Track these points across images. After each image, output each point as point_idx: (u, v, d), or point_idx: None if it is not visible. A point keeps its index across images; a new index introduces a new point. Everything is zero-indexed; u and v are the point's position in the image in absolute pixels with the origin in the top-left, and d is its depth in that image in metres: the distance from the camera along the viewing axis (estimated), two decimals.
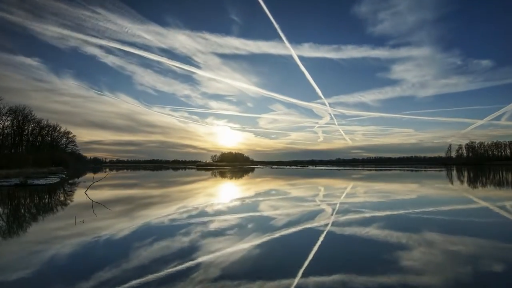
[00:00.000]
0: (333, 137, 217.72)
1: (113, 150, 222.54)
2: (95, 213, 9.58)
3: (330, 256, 5.14)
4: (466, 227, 7.57)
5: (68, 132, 72.17)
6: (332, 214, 9.03)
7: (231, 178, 32.37)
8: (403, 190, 16.07)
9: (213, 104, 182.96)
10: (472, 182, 22.91)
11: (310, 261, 4.87)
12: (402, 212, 9.44)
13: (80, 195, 14.47)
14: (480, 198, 12.67)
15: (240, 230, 7.13)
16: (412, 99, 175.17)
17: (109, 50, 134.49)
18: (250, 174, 42.11)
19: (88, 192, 15.03)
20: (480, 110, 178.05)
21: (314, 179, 27.87)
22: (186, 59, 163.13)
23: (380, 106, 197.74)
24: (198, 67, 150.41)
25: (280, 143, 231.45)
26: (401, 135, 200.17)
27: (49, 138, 68.40)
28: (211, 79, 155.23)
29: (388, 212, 9.33)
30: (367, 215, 8.94)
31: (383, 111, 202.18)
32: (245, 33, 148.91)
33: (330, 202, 11.74)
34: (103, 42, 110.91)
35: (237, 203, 11.72)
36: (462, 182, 23.48)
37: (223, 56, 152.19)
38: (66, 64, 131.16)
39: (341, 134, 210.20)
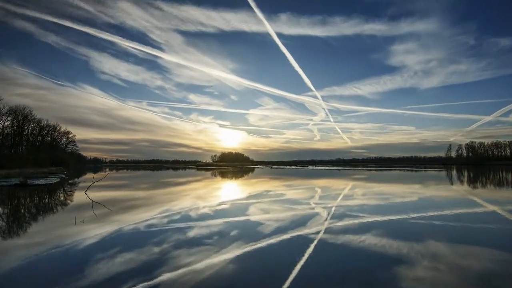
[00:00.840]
0: (330, 136, 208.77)
1: (105, 150, 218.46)
2: (95, 213, 9.27)
3: (317, 274, 4.26)
4: (475, 235, 6.67)
5: (68, 132, 71.62)
6: (326, 220, 8.15)
7: (227, 178, 31.51)
8: (404, 192, 15.15)
9: (193, 97, 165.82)
10: (475, 183, 21.95)
11: (291, 281, 3.99)
12: (402, 217, 8.54)
13: (79, 195, 14.21)
14: (486, 201, 11.75)
15: (220, 238, 6.26)
16: (414, 92, 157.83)
17: (45, 26, 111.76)
18: (248, 174, 41.25)
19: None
20: (489, 104, 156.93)
21: (313, 179, 26.98)
22: (142, 38, 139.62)
23: (379, 99, 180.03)
24: (159, 48, 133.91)
25: (276, 142, 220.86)
26: (401, 133, 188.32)
27: (49, 138, 67.80)
28: (180, 65, 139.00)
29: (388, 217, 8.43)
30: (364, 220, 8.05)
31: (381, 105, 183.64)
32: (206, 0, 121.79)
33: (326, 205, 10.86)
34: (36, 14, 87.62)
35: (225, 206, 10.85)
36: (464, 183, 22.52)
37: (186, 34, 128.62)
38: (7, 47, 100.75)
39: (338, 132, 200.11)
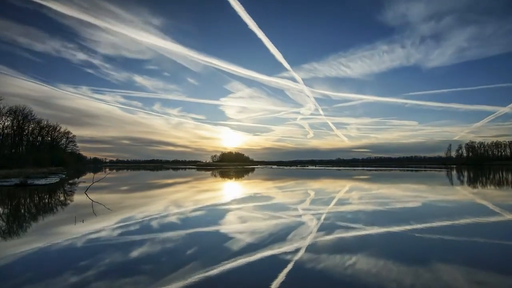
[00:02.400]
0: (324, 133, 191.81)
1: (89, 149, 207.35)
2: (95, 212, 8.67)
3: None
4: (497, 255, 5.09)
5: (68, 132, 70.46)
6: (310, 233, 6.60)
7: (220, 179, 29.99)
8: (405, 195, 13.53)
9: (141, 81, 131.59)
10: (480, 185, 20.22)
11: None
12: (404, 229, 6.97)
13: (78, 196, 13.85)
14: (499, 206, 10.14)
15: (169, 260, 4.75)
16: (418, 71, 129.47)
17: None
18: (245, 175, 39.72)
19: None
20: (508, 90, 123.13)
21: (309, 180, 25.39)
22: None
23: (374, 82, 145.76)
24: None
25: (267, 140, 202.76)
26: (402, 130, 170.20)
27: (49, 138, 66.70)
28: (89, 24, 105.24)
29: (386, 229, 6.86)
30: (357, 234, 6.49)
31: (378, 92, 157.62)
32: None
33: (316, 211, 9.31)
34: None
35: (200, 213, 9.32)
36: (468, 184, 20.79)
37: None
38: None
39: (332, 129, 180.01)
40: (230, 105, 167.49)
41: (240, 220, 7.99)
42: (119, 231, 6.80)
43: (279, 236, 6.25)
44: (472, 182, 23.15)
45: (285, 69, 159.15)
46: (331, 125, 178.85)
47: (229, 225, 7.34)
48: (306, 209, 9.76)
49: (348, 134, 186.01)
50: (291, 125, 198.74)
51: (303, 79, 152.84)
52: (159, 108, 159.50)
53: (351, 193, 14.16)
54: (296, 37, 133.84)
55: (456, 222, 7.59)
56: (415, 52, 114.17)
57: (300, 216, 8.54)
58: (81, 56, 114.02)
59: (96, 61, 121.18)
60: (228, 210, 9.49)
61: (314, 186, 18.96)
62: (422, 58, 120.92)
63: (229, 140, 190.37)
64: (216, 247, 5.50)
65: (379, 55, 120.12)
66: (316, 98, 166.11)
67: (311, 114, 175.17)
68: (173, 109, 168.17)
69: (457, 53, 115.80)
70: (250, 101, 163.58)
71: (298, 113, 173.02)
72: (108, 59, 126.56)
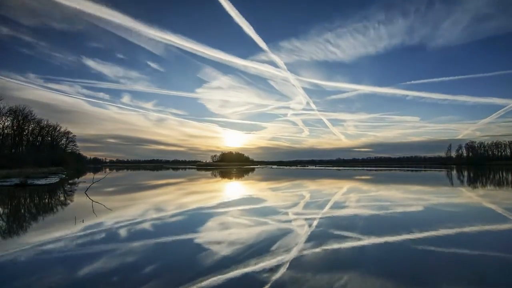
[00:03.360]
0: (320, 130, 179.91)
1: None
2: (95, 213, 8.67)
3: None
4: None
5: (68, 132, 69.70)
6: (298, 243, 5.66)
7: (214, 179, 29.05)
8: (406, 198, 12.55)
9: (95, 66, 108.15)
10: (484, 186, 19.17)
11: None
12: (406, 238, 6.02)
13: (78, 196, 13.62)
14: (509, 211, 9.17)
15: (121, 279, 3.82)
16: (422, 52, 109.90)
17: None
18: (243, 175, 38.78)
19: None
20: None
21: (307, 181, 24.43)
22: None
23: (368, 66, 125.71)
24: None
25: (261, 138, 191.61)
26: (403, 127, 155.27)
27: (49, 138, 66.04)
28: None
29: (385, 239, 5.91)
30: (351, 245, 5.55)
31: (375, 80, 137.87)
32: None
33: (308, 216, 8.38)
34: None
35: (179, 218, 8.40)
36: (472, 186, 19.75)
37: None
38: None
39: (327, 126, 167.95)
40: (209, 98, 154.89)
41: (221, 227, 7.06)
42: (80, 240, 5.89)
43: (261, 247, 5.33)
44: (475, 183, 22.11)
45: (261, 50, 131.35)
46: (326, 122, 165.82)
47: (207, 234, 6.41)
48: (298, 213, 8.82)
49: (345, 132, 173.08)
50: (282, 122, 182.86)
51: (286, 64, 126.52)
52: (130, 101, 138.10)
53: (348, 195, 13.20)
54: (268, 5, 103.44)
55: (464, 230, 6.63)
56: (420, 25, 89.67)
57: (290, 222, 7.61)
58: (3, 30, 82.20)
59: (26, 38, 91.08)
60: (211, 215, 8.56)
61: (311, 187, 18.01)
62: (428, 34, 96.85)
63: (221, 139, 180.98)
64: (182, 263, 4.58)
65: (374, 28, 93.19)
66: (305, 89, 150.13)
67: (303, 109, 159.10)
68: (147, 102, 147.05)
69: (473, 25, 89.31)
70: (231, 93, 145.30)
71: (288, 107, 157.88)
72: (35, 32, 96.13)
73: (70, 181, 24.84)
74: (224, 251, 5.13)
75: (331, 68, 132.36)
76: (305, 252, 5.04)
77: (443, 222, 7.45)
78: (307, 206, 10.25)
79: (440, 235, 6.13)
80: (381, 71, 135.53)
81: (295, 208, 9.71)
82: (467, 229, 6.67)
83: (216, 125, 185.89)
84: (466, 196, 13.08)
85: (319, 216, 8.36)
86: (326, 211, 9.16)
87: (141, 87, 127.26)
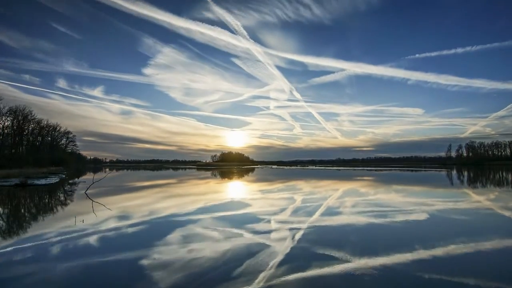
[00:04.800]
0: (311, 127, 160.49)
1: None
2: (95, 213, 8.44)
3: None
4: None
5: (68, 132, 68.77)
6: (269, 267, 4.28)
7: (208, 180, 27.72)
8: (406, 202, 11.10)
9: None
10: (492, 189, 17.64)
11: None
12: (408, 259, 4.62)
13: (78, 195, 13.28)
14: None
15: None
16: (430, 4, 77.69)
17: None
18: (240, 175, 37.44)
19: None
20: None
21: (303, 181, 23.02)
22: None
23: (356, 28, 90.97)
24: None
25: (252, 136, 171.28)
26: (404, 123, 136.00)
27: (49, 138, 65.10)
28: None
29: (382, 261, 4.52)
30: (337, 269, 4.16)
31: (367, 53, 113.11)
32: None
33: (293, 226, 7.00)
34: None
35: (140, 227, 7.05)
36: (477, 188, 18.22)
37: None
38: None
39: (318, 121, 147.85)
40: (166, 85, 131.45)
41: (182, 241, 5.69)
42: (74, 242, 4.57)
43: (217, 274, 3.96)
44: (480, 185, 20.58)
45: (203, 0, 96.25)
46: (316, 116, 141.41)
47: (158, 251, 5.04)
48: (282, 222, 7.45)
49: (341, 129, 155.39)
50: (268, 116, 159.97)
51: (244, 27, 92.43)
52: (69, 87, 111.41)
53: (343, 199, 11.77)
54: None
55: (482, 247, 5.21)
56: None
57: (269, 234, 6.23)
58: None
59: None
60: (180, 225, 7.19)
61: (305, 189, 16.60)
62: None
63: (207, 137, 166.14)
64: None
65: None
66: (280, 69, 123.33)
67: (288, 100, 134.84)
68: (92, 89, 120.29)
69: None
70: (189, 76, 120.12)
71: (268, 97, 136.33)
72: None
73: (70, 181, 24.29)
74: (164, 280, 3.77)
75: (307, 33, 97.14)
76: (273, 283, 3.66)
77: (453, 235, 6.04)
78: (295, 212, 8.86)
79: (451, 255, 4.73)
80: (376, 38, 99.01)
81: (281, 215, 8.33)
82: (485, 246, 5.26)
83: (194, 120, 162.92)
84: (475, 200, 11.61)
85: (306, 225, 6.98)
86: (314, 219, 7.77)
87: (70, 67, 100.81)
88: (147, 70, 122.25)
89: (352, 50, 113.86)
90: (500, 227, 6.90)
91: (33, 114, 58.12)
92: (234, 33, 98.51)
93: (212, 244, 5.46)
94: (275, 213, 8.64)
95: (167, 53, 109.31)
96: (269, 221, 7.52)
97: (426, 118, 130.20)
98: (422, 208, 9.32)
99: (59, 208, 10.43)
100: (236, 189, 17.06)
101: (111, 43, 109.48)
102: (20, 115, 57.06)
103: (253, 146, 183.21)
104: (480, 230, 6.60)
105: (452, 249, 5.08)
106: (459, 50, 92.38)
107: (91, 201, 11.34)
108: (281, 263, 4.41)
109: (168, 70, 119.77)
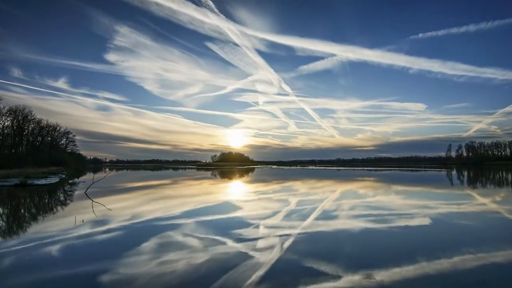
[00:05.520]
0: (306, 124, 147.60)
1: None
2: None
3: None
4: None
5: (68, 132, 68.29)
6: (247, 285, 3.59)
7: (204, 181, 27.06)
8: (407, 205, 10.37)
9: None
10: (496, 190, 16.87)
11: None
12: (410, 275, 3.93)
13: (78, 195, 13.10)
14: None
15: None
16: None
17: None
18: (236, 175, 36.77)
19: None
20: None
21: (300, 182, 22.32)
22: None
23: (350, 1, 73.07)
24: None
25: (244, 134, 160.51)
26: (404, 120, 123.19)
27: (49, 138, 64.63)
28: None
29: (380, 276, 3.82)
30: (329, 286, 3.48)
31: (359, 32, 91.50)
32: None
33: (283, 232, 6.34)
34: None
35: (113, 234, 6.38)
36: (482, 189, 17.44)
37: None
38: None
39: (313, 118, 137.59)
40: (138, 75, 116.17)
41: (157, 250, 5.02)
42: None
43: None
44: (483, 185, 19.82)
45: None
46: (310, 112, 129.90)
47: (131, 261, 4.37)
48: (272, 227, 6.77)
49: (338, 127, 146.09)
50: (258, 113, 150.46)
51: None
52: (26, 77, 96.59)
53: (340, 202, 11.07)
54: None
55: (493, 258, 4.52)
56: None
57: (255, 241, 5.55)
58: None
59: None
60: (160, 230, 6.51)
61: (302, 190, 15.90)
62: None
63: (200, 136, 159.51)
64: None
65: None
66: (260, 53, 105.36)
67: (278, 94, 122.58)
68: (55, 80, 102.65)
69: None
70: (158, 62, 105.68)
71: (256, 91, 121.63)
72: None
73: (70, 181, 24.05)
74: None
75: (288, 6, 77.02)
76: None
77: (460, 244, 5.35)
78: (288, 216, 8.18)
79: (459, 270, 4.04)
80: (372, 13, 76.73)
81: (272, 219, 7.65)
82: (498, 258, 4.56)
83: (180, 117, 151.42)
84: (479, 202, 10.88)
85: (297, 231, 6.29)
86: (307, 224, 7.08)
87: (25, 52, 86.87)
88: (109, 56, 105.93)
89: (344, 29, 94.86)
90: (510, 234, 6.19)
91: (33, 114, 57.76)
92: (198, 5, 79.93)
93: (188, 255, 4.79)
94: (266, 217, 7.96)
95: (125, 34, 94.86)
96: (258, 226, 6.85)
97: (428, 114, 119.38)
98: (424, 212, 8.61)
99: (50, 208, 9.79)
100: (230, 190, 16.39)
101: (62, 23, 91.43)
102: (20, 115, 56.71)
103: (249, 146, 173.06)
104: (489, 238, 5.91)
105: (460, 262, 4.39)
106: (472, 27, 76.22)
107: (91, 201, 10.67)
108: (262, 280, 3.73)
109: (133, 56, 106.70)
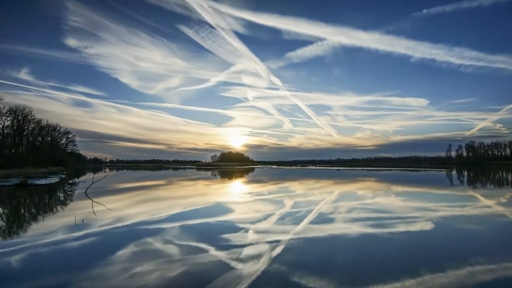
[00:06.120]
0: (302, 122, 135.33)
1: None
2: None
3: None
4: None
5: (68, 132, 67.85)
6: None
7: (195, 182, 26.49)
8: (409, 208, 9.78)
9: None
10: (499, 191, 16.27)
11: None
12: None
13: (78, 195, 13.02)
14: None
15: None
16: None
17: None
18: (234, 176, 36.21)
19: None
20: None
21: (298, 183, 21.75)
22: None
23: None
24: None
25: (241, 132, 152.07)
26: (405, 117, 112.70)
27: (49, 138, 64.25)
28: None
29: None
30: None
31: (352, 11, 77.29)
32: None
33: (274, 238, 5.80)
34: None
35: (86, 241, 5.84)
36: (485, 190, 16.77)
37: None
38: None
39: (309, 116, 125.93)
40: (109, 65, 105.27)
41: (131, 259, 4.48)
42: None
43: None
44: (485, 186, 19.20)
45: None
46: (305, 110, 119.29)
47: (100, 273, 3.85)
48: (263, 232, 6.23)
49: (335, 124, 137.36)
50: (249, 110, 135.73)
51: None
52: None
53: (338, 204, 10.51)
54: None
55: (506, 271, 3.96)
56: None
57: (241, 249, 5.01)
58: None
59: None
60: (141, 236, 5.97)
61: (299, 191, 15.34)
62: None
63: (191, 134, 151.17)
64: None
65: None
66: (240, 36, 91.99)
67: (268, 88, 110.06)
68: (17, 70, 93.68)
69: None
70: (127, 49, 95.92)
71: (243, 84, 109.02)
72: None
73: (70, 181, 23.87)
74: None
75: None
76: None
77: (466, 253, 4.79)
78: (280, 219, 7.62)
79: (468, 285, 3.48)
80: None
81: (263, 223, 7.11)
82: (507, 269, 4.00)
83: (167, 114, 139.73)
84: (484, 205, 10.29)
85: (289, 237, 5.75)
86: (301, 228, 6.53)
87: None
88: (70, 41, 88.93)
89: (334, 4, 73.97)
90: None
91: (33, 114, 57.42)
92: None
93: (164, 266, 4.25)
94: (257, 221, 7.41)
95: (78, 11, 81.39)
96: (247, 231, 6.31)
97: (430, 111, 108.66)
98: (426, 215, 8.04)
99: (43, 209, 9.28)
100: (224, 191, 15.84)
101: (10, 4, 77.45)
102: (20, 115, 56.36)
103: (246, 145, 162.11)
104: (498, 245, 5.34)
105: (468, 274, 3.83)
106: (485, 1, 59.91)
107: (91, 201, 10.14)
108: None
109: (96, 41, 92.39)
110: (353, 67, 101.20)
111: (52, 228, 6.77)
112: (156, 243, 5.43)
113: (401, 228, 6.56)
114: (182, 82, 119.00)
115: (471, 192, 14.25)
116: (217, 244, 5.32)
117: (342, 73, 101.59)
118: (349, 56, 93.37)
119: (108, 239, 5.82)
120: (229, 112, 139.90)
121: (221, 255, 4.73)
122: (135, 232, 6.29)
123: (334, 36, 76.58)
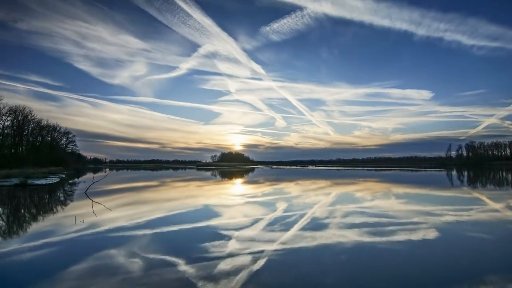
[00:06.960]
0: (295, 119, 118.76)
1: None
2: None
3: None
4: None
5: (68, 132, 67.29)
6: None
7: (191, 182, 25.74)
8: (411, 212, 8.96)
9: None
10: (505, 193, 15.43)
11: None
12: None
13: (78, 195, 12.98)
14: None
15: None
16: None
17: None
18: (234, 176, 35.45)
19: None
20: None
21: (294, 184, 20.93)
22: None
23: None
24: None
25: (232, 131, 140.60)
26: (406, 112, 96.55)
27: (49, 138, 63.76)
28: None
29: None
30: None
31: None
32: None
33: (258, 248, 5.05)
34: None
35: (47, 250, 5.08)
36: (490, 192, 15.90)
37: None
38: None
39: (301, 112, 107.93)
40: (58, 47, 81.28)
41: (80, 277, 3.71)
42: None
43: None
44: (490, 188, 18.31)
45: None
46: (296, 104, 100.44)
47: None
48: (246, 240, 5.46)
49: (331, 121, 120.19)
50: (234, 104, 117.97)
51: None
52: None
53: (334, 207, 9.69)
54: None
55: None
56: None
57: (217, 261, 4.25)
58: None
59: None
60: (107, 245, 5.21)
61: (295, 192, 14.54)
62: None
63: (181, 132, 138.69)
64: None
65: None
66: (202, 4, 71.03)
67: (251, 78, 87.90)
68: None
69: None
70: (68, 23, 74.73)
71: (220, 74, 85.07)
72: None
73: (70, 181, 23.67)
74: None
75: None
76: None
77: (477, 267, 4.00)
78: (269, 225, 6.84)
79: None
80: None
81: (249, 230, 6.33)
82: None
83: (147, 109, 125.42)
84: (491, 208, 9.44)
85: (274, 247, 4.98)
86: (289, 236, 5.75)
87: None
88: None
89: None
90: None
91: (33, 114, 56.95)
92: None
93: (117, 286, 3.47)
94: (243, 227, 6.64)
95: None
96: (229, 239, 5.53)
97: (434, 106, 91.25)
98: (429, 220, 7.22)
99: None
100: (216, 193, 15.01)
101: None
102: (20, 115, 55.89)
103: (242, 145, 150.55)
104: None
105: None
106: None
107: (91, 201, 9.41)
108: None
109: (24, 12, 72.53)
110: (344, 48, 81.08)
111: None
112: (119, 256, 4.66)
113: (401, 236, 5.75)
114: (148, 70, 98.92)
115: (475, 194, 13.41)
116: (190, 257, 4.55)
117: (331, 56, 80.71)
118: (338, 32, 72.85)
119: (68, 249, 5.07)
120: (214, 108, 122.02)
121: (190, 271, 3.96)
122: (101, 241, 5.53)
123: (316, 2, 58.48)
